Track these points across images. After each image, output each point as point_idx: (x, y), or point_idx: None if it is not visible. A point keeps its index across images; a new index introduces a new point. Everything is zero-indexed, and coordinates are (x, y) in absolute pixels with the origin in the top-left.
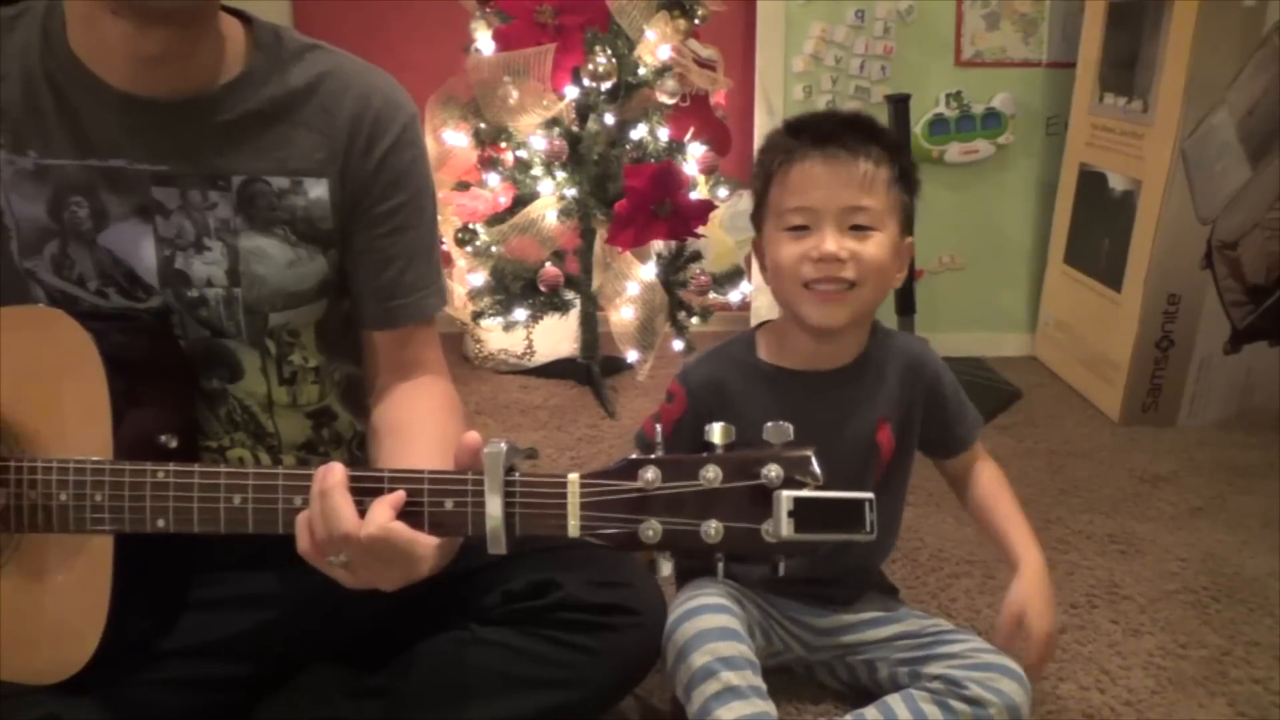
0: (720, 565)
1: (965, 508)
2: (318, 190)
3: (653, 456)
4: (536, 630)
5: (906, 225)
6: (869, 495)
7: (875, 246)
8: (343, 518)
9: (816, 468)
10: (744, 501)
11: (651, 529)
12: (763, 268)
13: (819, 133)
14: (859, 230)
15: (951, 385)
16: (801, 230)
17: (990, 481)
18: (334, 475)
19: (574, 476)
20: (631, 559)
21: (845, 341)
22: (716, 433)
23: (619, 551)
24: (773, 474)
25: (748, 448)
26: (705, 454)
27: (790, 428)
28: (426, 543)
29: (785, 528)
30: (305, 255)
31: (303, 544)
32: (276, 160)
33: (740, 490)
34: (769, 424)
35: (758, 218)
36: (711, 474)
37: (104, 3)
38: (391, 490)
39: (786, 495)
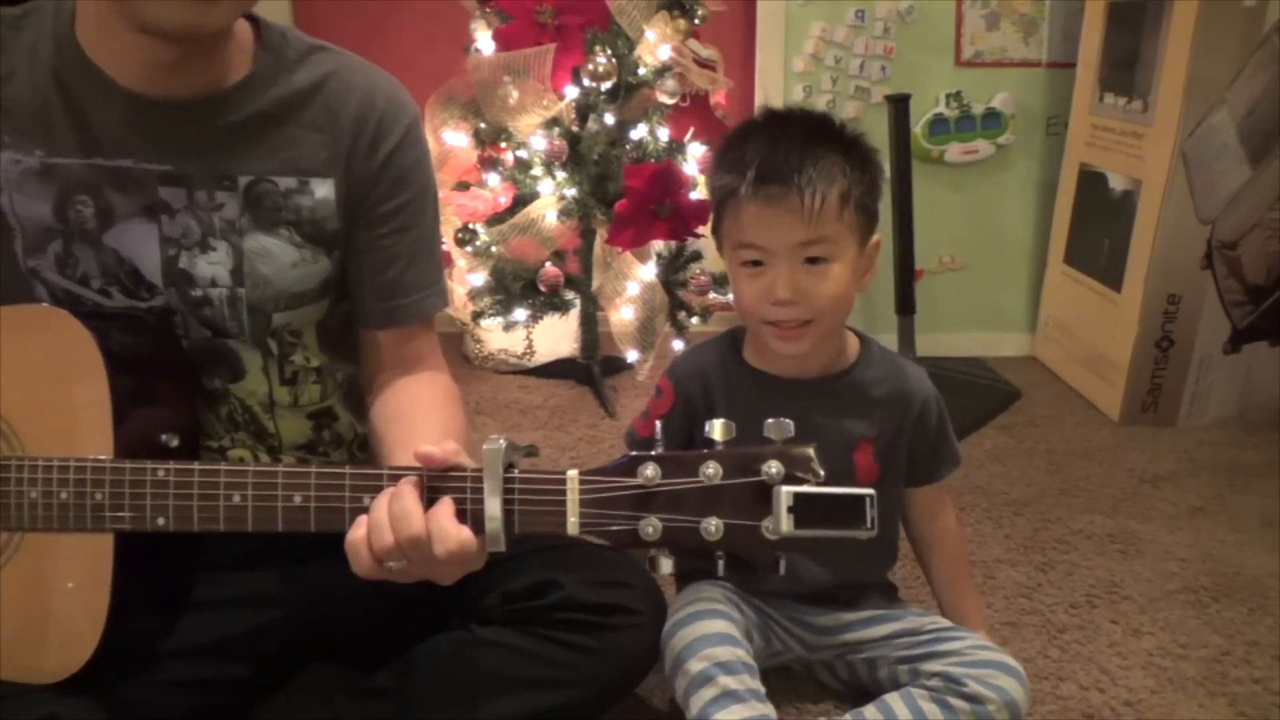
0: (720, 563)
1: (907, 533)
2: (323, 190)
3: (653, 453)
4: (536, 630)
5: (871, 229)
6: (870, 491)
7: (830, 282)
8: (414, 525)
9: (818, 465)
10: (744, 498)
11: (652, 526)
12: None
13: (759, 169)
14: (814, 263)
15: (938, 422)
16: (756, 265)
17: (957, 544)
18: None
19: (573, 473)
20: (631, 559)
21: (816, 352)
22: (717, 429)
23: (619, 549)
24: (773, 470)
25: (743, 445)
26: (705, 450)
27: (791, 424)
28: (482, 543)
29: (785, 523)
30: (310, 256)
31: (362, 563)
32: (283, 160)
33: (741, 487)
34: (770, 420)
35: (717, 235)
36: (712, 470)
37: (130, 22)
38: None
39: (786, 491)
